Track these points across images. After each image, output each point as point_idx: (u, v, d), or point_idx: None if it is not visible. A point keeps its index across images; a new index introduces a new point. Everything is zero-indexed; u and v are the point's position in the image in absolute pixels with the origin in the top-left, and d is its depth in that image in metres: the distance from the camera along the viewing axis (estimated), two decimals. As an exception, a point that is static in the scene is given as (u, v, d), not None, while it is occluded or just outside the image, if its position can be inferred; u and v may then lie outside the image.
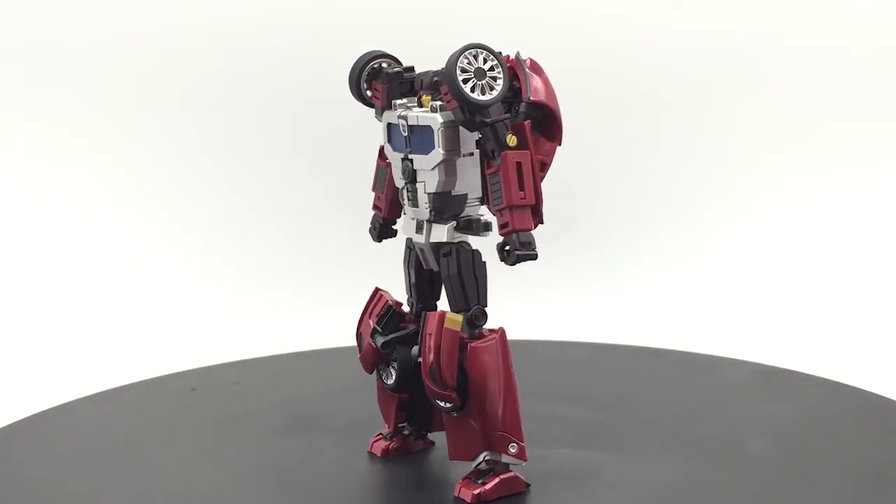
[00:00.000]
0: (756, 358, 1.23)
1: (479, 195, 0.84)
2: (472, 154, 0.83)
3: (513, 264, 0.80)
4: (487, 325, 0.84)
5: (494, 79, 0.80)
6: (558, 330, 1.43)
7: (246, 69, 1.72)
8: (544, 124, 0.84)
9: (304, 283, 1.66)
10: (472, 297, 0.83)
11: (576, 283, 1.66)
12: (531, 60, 0.84)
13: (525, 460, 0.83)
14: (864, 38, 1.72)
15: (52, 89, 1.73)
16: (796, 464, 0.90)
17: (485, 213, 0.85)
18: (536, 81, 0.82)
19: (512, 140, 0.80)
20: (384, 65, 0.89)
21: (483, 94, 0.79)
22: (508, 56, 0.83)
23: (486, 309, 0.83)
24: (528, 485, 0.84)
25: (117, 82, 1.73)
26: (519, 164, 0.80)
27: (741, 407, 1.05)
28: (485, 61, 0.80)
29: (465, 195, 0.84)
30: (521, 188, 0.80)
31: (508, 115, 0.81)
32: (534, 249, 0.79)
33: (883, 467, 0.89)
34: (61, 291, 1.63)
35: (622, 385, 1.13)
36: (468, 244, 0.84)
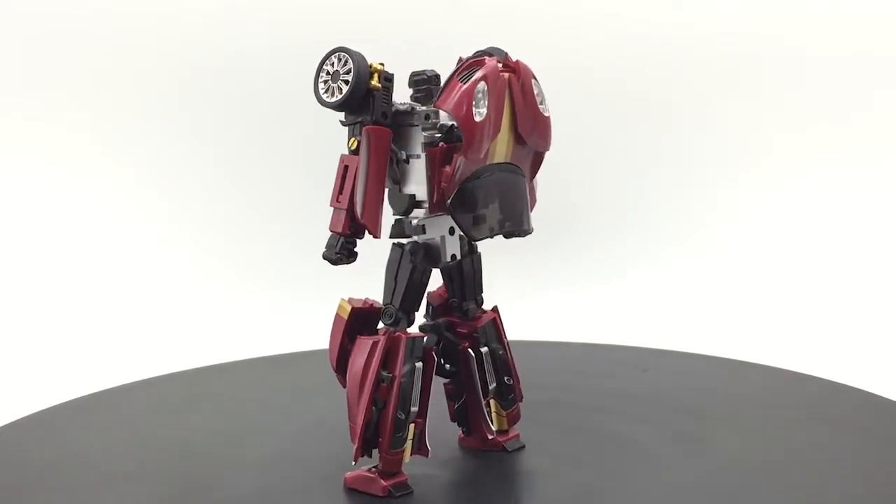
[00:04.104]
0: (756, 358, 1.23)
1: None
2: (418, 156, 0.82)
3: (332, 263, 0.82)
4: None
5: (346, 82, 0.80)
6: (558, 330, 1.43)
7: (246, 71, 1.72)
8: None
9: (304, 283, 1.66)
10: (386, 294, 0.85)
11: (575, 284, 1.66)
12: (512, 63, 0.82)
13: (353, 461, 0.83)
14: (866, 38, 1.73)
15: (51, 89, 1.73)
16: (795, 464, 0.90)
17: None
18: (456, 91, 0.81)
19: (352, 144, 0.81)
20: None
21: (332, 96, 0.81)
22: (460, 58, 0.83)
23: (397, 310, 0.84)
24: (391, 494, 0.83)
25: (115, 84, 1.73)
26: (346, 168, 0.81)
27: (741, 407, 1.05)
28: (344, 65, 0.81)
29: (413, 196, 0.83)
30: (341, 192, 0.81)
31: (360, 118, 0.81)
32: (336, 254, 0.81)
33: (883, 468, 0.89)
34: (62, 291, 1.63)
35: (621, 385, 1.13)
36: (403, 243, 0.85)
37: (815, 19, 1.74)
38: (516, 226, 0.85)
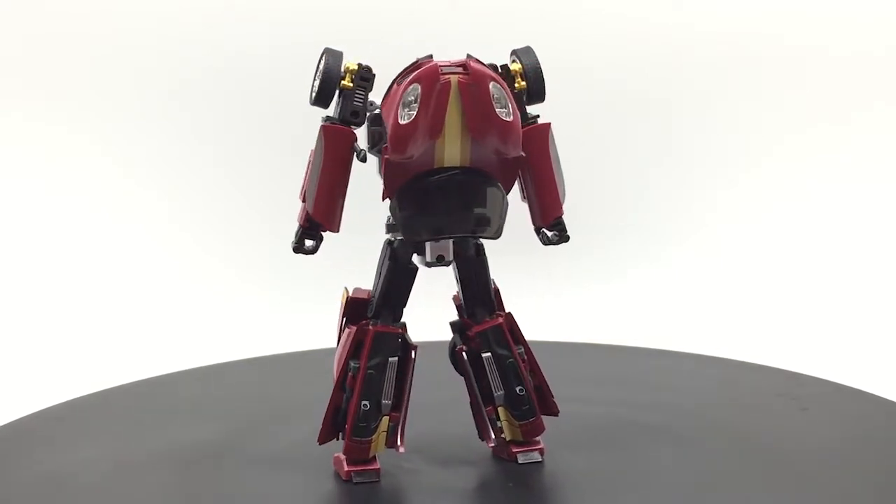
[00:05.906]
0: (755, 358, 1.23)
1: None
2: None
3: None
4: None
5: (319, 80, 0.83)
6: (557, 330, 1.43)
7: (246, 71, 1.72)
8: None
9: (304, 283, 1.66)
10: (373, 288, 0.87)
11: (575, 284, 1.66)
12: (467, 65, 0.79)
13: (318, 442, 0.87)
14: (866, 38, 1.73)
15: (51, 89, 1.73)
16: (794, 464, 0.90)
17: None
18: (389, 93, 0.81)
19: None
20: None
21: (312, 94, 0.83)
22: (417, 59, 0.81)
23: (377, 304, 0.86)
24: (351, 478, 0.86)
25: (115, 84, 1.73)
26: (309, 163, 0.84)
27: (741, 408, 1.05)
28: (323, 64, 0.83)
29: None
30: (304, 185, 0.85)
31: (326, 118, 0.83)
32: (294, 244, 0.86)
33: (883, 468, 0.89)
34: (62, 291, 1.63)
35: (621, 386, 1.13)
36: (390, 238, 0.86)
37: (815, 19, 1.74)
38: (452, 230, 0.83)
